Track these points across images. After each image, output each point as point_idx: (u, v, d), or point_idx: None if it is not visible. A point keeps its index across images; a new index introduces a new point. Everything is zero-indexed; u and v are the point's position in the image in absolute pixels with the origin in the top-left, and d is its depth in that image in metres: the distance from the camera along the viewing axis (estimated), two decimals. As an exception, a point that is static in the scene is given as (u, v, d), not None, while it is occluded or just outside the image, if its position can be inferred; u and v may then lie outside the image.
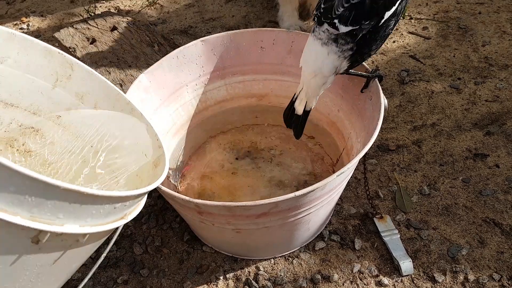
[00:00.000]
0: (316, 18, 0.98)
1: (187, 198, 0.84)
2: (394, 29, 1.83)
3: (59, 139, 1.05)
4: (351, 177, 1.36)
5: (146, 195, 0.81)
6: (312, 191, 0.88)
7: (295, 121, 1.13)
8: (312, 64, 1.01)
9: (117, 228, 0.73)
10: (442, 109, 1.53)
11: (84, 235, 0.66)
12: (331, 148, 1.39)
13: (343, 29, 0.92)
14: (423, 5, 1.96)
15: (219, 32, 2.00)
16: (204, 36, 2.01)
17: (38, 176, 0.56)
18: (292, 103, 1.13)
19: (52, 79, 1.00)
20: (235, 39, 1.35)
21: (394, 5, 0.90)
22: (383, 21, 0.92)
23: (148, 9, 2.15)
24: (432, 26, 1.85)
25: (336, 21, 0.93)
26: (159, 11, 2.14)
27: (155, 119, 1.20)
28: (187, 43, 1.31)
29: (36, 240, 0.60)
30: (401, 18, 1.87)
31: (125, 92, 1.07)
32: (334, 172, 1.40)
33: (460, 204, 1.27)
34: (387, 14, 0.91)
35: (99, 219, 0.68)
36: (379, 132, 1.48)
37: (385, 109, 1.04)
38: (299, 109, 1.10)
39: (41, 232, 0.60)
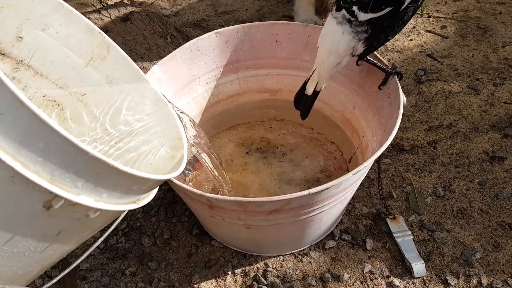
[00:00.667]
0: (336, 2, 0.98)
1: (199, 192, 0.84)
2: (410, 22, 1.81)
3: (78, 116, 1.05)
4: (364, 177, 1.36)
5: (158, 187, 0.81)
6: (326, 189, 0.88)
7: (303, 101, 1.14)
8: (329, 42, 1.01)
9: (121, 213, 0.73)
10: (459, 110, 1.52)
11: (96, 210, 0.65)
12: (345, 146, 1.38)
13: (362, 16, 0.92)
14: (441, 3, 1.94)
15: (232, 25, 2.01)
16: (217, 29, 2.02)
17: (70, 137, 0.56)
18: (304, 84, 1.13)
19: (87, 57, 1.01)
20: (250, 32, 1.34)
21: None
22: (403, 6, 0.90)
23: (161, 1, 2.15)
24: (451, 25, 1.84)
25: (355, 8, 0.92)
26: (172, 3, 2.14)
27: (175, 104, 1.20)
28: (199, 36, 1.30)
29: (49, 205, 0.60)
30: (419, 13, 1.86)
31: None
32: (348, 170, 1.40)
33: (476, 207, 1.25)
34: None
35: (114, 197, 0.67)
36: (394, 131, 1.48)
37: (404, 107, 1.03)
38: (309, 89, 1.11)
39: (56, 197, 0.59)
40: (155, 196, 1.20)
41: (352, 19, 0.94)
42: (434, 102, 1.55)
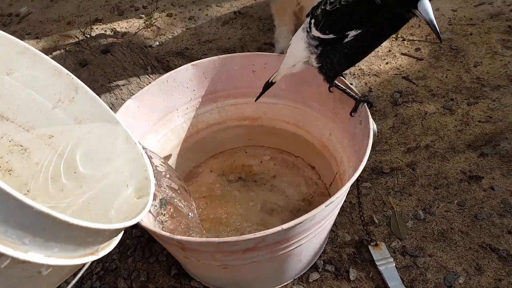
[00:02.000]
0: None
1: (168, 234, 0.77)
2: (385, 45, 1.77)
3: (44, 160, 0.98)
4: (345, 201, 1.29)
5: (123, 232, 0.74)
6: (300, 223, 0.81)
7: (264, 86, 1.18)
8: (292, 44, 1.05)
9: (84, 265, 0.66)
10: (436, 130, 1.47)
11: (48, 266, 0.58)
12: (325, 171, 1.32)
13: (314, 31, 0.96)
14: (415, 26, 1.91)
15: (215, 53, 1.95)
16: (200, 57, 1.96)
17: (12, 192, 0.49)
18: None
19: (55, 99, 0.95)
20: (227, 63, 1.29)
21: (360, 28, 0.88)
22: (346, 39, 0.91)
23: (145, 31, 2.10)
24: (425, 47, 1.80)
25: (312, 21, 0.96)
26: (156, 33, 2.09)
27: (144, 145, 1.13)
28: (182, 65, 1.25)
29: (-6, 264, 0.52)
30: (394, 37, 1.82)
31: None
32: (329, 196, 1.34)
33: (456, 229, 1.19)
34: (351, 33, 0.89)
35: (67, 251, 0.60)
36: (373, 154, 1.42)
37: (374, 135, 0.98)
38: (270, 79, 1.16)
39: (1, 256, 0.52)
40: (131, 234, 1.12)
41: (308, 30, 0.98)
42: (411, 123, 1.50)
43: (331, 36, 0.93)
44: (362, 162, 0.91)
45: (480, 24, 1.90)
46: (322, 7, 0.94)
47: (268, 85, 1.16)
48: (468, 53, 1.75)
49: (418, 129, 1.48)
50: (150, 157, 0.90)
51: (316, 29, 0.95)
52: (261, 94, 1.19)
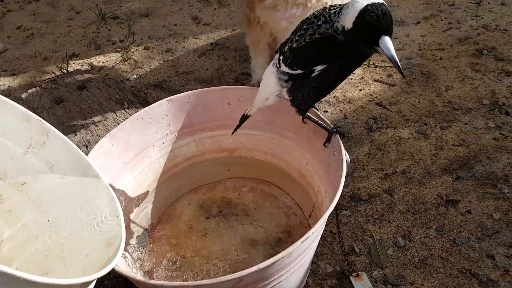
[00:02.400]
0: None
1: (142, 279, 0.74)
2: (358, 72, 1.79)
3: (17, 207, 0.95)
4: (326, 231, 1.27)
5: (94, 282, 0.70)
6: (277, 260, 0.79)
7: (241, 119, 1.17)
8: (265, 78, 1.06)
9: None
10: (411, 155, 1.47)
11: None
12: (304, 201, 1.30)
13: (282, 67, 0.98)
14: (386, 53, 1.94)
15: (193, 85, 1.95)
16: (178, 89, 1.95)
17: None
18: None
19: (26, 144, 0.93)
20: (202, 97, 1.27)
21: (325, 63, 0.91)
22: (313, 74, 0.93)
23: (122, 64, 2.08)
24: (397, 73, 1.82)
25: (281, 57, 0.98)
26: (133, 66, 2.08)
27: (117, 184, 1.10)
28: (160, 97, 1.23)
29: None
30: (366, 64, 1.84)
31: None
32: (309, 226, 1.32)
33: (436, 255, 1.18)
34: (317, 68, 0.92)
35: None
36: (351, 181, 1.41)
37: (348, 165, 0.97)
38: (246, 112, 1.16)
39: None
40: (110, 275, 1.08)
41: (278, 66, 0.99)
42: (386, 149, 1.50)
43: (299, 71, 0.95)
44: (336, 195, 0.90)
45: (449, 48, 1.94)
46: (289, 44, 0.96)
47: (244, 118, 1.16)
48: (439, 78, 1.78)
49: (393, 154, 1.48)
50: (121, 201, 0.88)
51: (285, 65, 0.97)
52: (237, 127, 1.18)
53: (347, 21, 0.84)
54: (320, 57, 0.90)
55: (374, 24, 0.79)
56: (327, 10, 0.92)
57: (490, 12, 2.13)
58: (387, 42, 0.79)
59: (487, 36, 1.98)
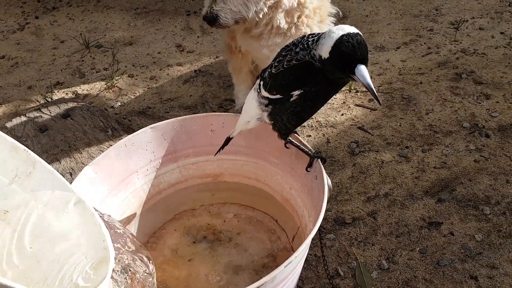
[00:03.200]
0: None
1: (125, 306, 0.75)
2: (339, 97, 1.85)
3: None
4: (310, 254, 1.30)
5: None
6: (260, 286, 0.81)
7: (225, 141, 1.23)
8: (247, 102, 1.12)
9: None
10: (393, 178, 1.52)
11: None
12: (288, 225, 1.33)
13: (263, 92, 1.03)
14: (367, 78, 2.01)
15: (177, 111, 1.99)
16: (162, 116, 1.99)
17: None
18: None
19: (11, 175, 0.95)
20: (185, 124, 1.31)
21: (302, 88, 0.95)
22: (292, 99, 0.97)
23: (106, 92, 2.12)
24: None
25: (261, 83, 1.04)
26: (117, 93, 2.12)
27: (101, 212, 1.11)
28: (144, 124, 1.27)
29: None
30: (347, 89, 1.91)
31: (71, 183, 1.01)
32: (292, 250, 1.34)
33: (420, 277, 1.21)
34: (295, 93, 0.96)
35: None
36: (335, 204, 1.45)
37: (330, 190, 1.01)
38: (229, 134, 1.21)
39: None
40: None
41: (259, 90, 1.05)
42: (369, 172, 1.54)
43: (278, 96, 1.00)
44: (318, 219, 0.93)
45: (429, 72, 2.02)
46: (269, 70, 1.02)
47: (228, 140, 1.21)
48: (419, 101, 1.85)
49: (376, 177, 1.52)
50: (108, 223, 0.90)
51: (265, 90, 1.02)
52: (221, 148, 1.23)
53: (324, 50, 0.89)
54: (297, 82, 0.95)
55: (349, 53, 0.84)
56: (305, 38, 0.98)
57: (468, 36, 2.23)
58: (363, 70, 0.84)
59: (465, 60, 2.06)
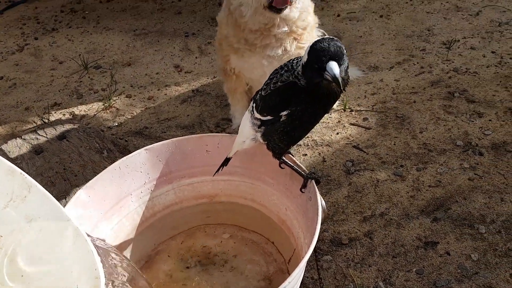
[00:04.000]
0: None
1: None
2: (335, 116, 1.83)
3: None
4: (307, 277, 1.27)
5: None
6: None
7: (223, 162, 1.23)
8: (242, 123, 1.14)
9: None
10: (389, 197, 1.49)
11: None
12: (284, 247, 1.30)
13: (255, 114, 1.06)
14: (361, 97, 2.00)
15: (174, 131, 1.97)
16: (160, 135, 1.97)
17: None
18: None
19: (7, 198, 0.93)
20: (180, 145, 1.29)
21: (289, 109, 0.97)
22: (281, 119, 0.99)
23: (104, 112, 2.10)
24: (372, 116, 1.88)
25: (254, 105, 1.06)
26: (114, 114, 2.10)
27: (94, 236, 1.09)
28: (141, 144, 1.25)
29: None
30: (342, 108, 1.90)
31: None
32: (288, 272, 1.31)
33: (417, 298, 1.18)
34: (283, 113, 0.98)
35: None
36: (331, 225, 1.42)
37: (324, 211, 0.99)
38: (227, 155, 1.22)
39: None
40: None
41: (252, 112, 1.07)
42: (364, 191, 1.52)
43: (268, 117, 1.02)
44: (312, 241, 0.91)
45: (422, 92, 2.01)
46: (260, 92, 1.03)
47: (226, 160, 1.22)
48: (413, 120, 1.84)
49: (372, 197, 1.50)
50: (103, 249, 0.87)
51: (257, 111, 1.04)
52: (219, 169, 1.23)
53: (304, 57, 0.93)
54: (284, 103, 0.97)
55: (321, 50, 0.88)
56: (290, 61, 1.01)
57: (460, 56, 2.24)
58: (332, 64, 0.87)
59: (458, 79, 2.06)
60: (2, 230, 0.92)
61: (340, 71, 0.89)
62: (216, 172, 1.23)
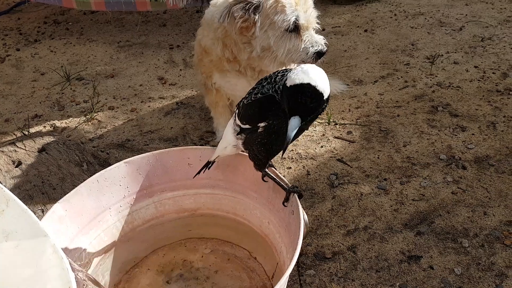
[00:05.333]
0: None
1: None
2: (319, 130, 1.85)
3: None
4: (289, 291, 1.25)
5: None
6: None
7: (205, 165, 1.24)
8: (226, 128, 1.15)
9: None
10: (373, 211, 1.50)
11: None
12: (267, 261, 1.29)
13: (237, 121, 1.07)
14: (346, 111, 2.02)
15: (157, 144, 1.96)
16: (142, 148, 1.96)
17: None
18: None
19: None
20: (161, 158, 1.28)
21: (265, 121, 0.98)
22: (259, 130, 1.00)
23: (85, 124, 2.08)
24: (356, 130, 1.89)
25: (236, 111, 1.07)
26: (96, 126, 2.08)
27: (71, 251, 1.07)
28: (123, 156, 1.24)
29: None
30: (326, 122, 1.91)
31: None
32: (272, 287, 1.30)
33: (400, 313, 1.17)
34: (261, 124, 0.99)
35: None
36: (315, 238, 1.42)
37: (306, 225, 0.99)
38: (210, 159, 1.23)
39: None
40: None
41: (234, 118, 1.08)
42: (348, 205, 1.52)
43: (247, 126, 1.03)
44: (294, 257, 0.90)
45: (406, 105, 2.04)
46: (243, 100, 1.05)
47: (207, 163, 1.23)
48: (397, 134, 1.86)
49: (355, 210, 1.50)
50: (73, 270, 0.85)
51: (238, 118, 1.05)
52: (200, 171, 1.24)
53: (287, 76, 0.91)
54: (261, 114, 0.98)
55: (295, 99, 0.86)
56: (276, 72, 1.00)
57: (443, 70, 2.28)
58: (294, 122, 0.86)
59: (441, 93, 2.10)
60: None
61: (305, 124, 0.88)
62: (196, 174, 1.24)
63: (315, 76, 0.86)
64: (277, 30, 1.37)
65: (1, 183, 0.91)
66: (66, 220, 1.09)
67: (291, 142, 0.92)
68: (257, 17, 1.35)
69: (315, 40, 1.42)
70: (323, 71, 0.90)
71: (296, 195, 1.07)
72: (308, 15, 1.40)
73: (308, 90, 0.85)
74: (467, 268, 1.29)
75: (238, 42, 1.46)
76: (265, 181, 1.19)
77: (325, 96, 0.87)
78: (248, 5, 1.35)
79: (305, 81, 0.86)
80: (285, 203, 1.11)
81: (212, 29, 1.53)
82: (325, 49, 1.43)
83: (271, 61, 1.46)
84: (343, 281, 1.27)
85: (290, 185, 1.10)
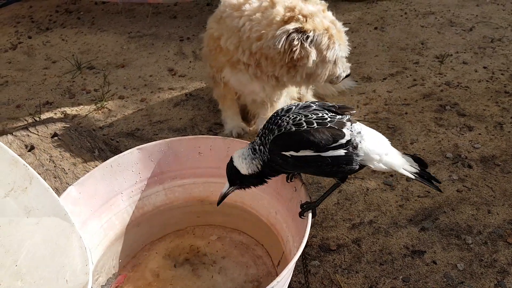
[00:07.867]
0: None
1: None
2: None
3: None
4: (295, 281, 1.29)
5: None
6: (242, 310, 0.80)
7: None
8: None
9: None
10: (378, 206, 1.52)
11: None
12: (273, 249, 1.32)
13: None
14: (354, 107, 2.04)
15: (166, 133, 1.99)
16: (151, 137, 1.99)
17: None
18: None
19: (8, 188, 0.96)
20: (173, 146, 1.32)
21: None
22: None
23: (96, 113, 2.12)
24: (364, 126, 1.91)
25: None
26: (106, 115, 2.12)
27: (83, 232, 1.10)
28: (132, 145, 1.27)
29: None
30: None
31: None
32: (277, 275, 1.33)
33: (402, 305, 1.20)
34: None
35: None
36: (320, 231, 1.45)
37: (313, 216, 1.02)
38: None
39: None
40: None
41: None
42: (354, 199, 1.55)
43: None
44: (301, 246, 0.93)
45: (414, 104, 2.06)
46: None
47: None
48: (404, 131, 1.88)
49: (361, 205, 1.53)
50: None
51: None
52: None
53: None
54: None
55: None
56: (288, 115, 1.06)
57: (452, 70, 2.30)
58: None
59: (449, 93, 2.12)
60: (1, 219, 0.94)
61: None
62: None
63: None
64: (327, 63, 1.52)
65: (26, 163, 0.95)
66: (79, 202, 1.12)
67: None
68: (313, 51, 1.46)
69: (346, 66, 1.62)
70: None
71: (303, 185, 1.10)
72: (345, 47, 1.56)
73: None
74: (469, 264, 1.32)
75: (277, 63, 1.50)
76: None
77: None
78: (305, 36, 1.43)
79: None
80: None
81: (235, 35, 1.54)
82: (349, 72, 1.65)
83: (306, 83, 1.62)
84: (347, 272, 1.30)
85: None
